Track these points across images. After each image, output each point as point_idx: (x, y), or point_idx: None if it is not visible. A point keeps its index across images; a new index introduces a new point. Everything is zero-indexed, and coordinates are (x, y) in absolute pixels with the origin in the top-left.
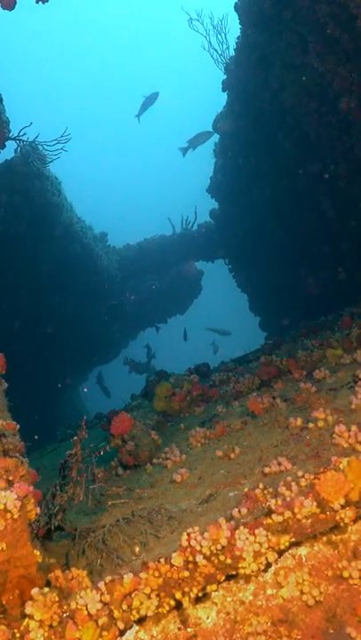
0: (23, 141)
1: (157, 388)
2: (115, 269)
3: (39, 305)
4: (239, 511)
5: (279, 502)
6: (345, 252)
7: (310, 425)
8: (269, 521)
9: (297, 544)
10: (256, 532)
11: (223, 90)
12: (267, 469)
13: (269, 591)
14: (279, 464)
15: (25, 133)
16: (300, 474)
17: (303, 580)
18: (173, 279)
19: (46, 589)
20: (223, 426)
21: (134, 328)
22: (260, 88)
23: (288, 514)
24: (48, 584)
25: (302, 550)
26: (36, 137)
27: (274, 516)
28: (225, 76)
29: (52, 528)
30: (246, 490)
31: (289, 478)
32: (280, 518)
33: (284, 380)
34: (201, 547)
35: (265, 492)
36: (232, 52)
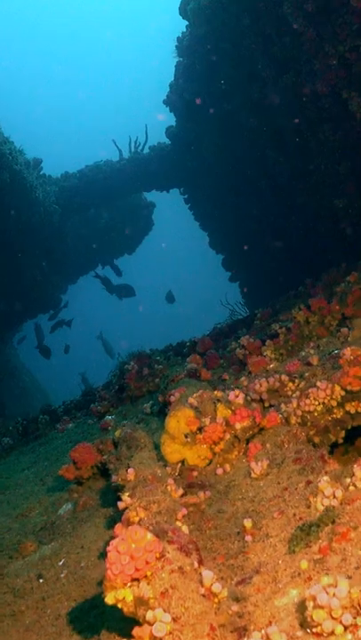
0: None
1: (170, 418)
2: (52, 203)
3: None
4: None
5: None
6: None
7: None
8: None
9: None
10: None
11: None
12: None
13: None
14: None
15: None
16: None
17: None
18: (121, 213)
19: None
20: None
21: (75, 271)
22: None
23: None
24: None
25: None
26: None
27: None
28: None
29: None
30: None
31: None
32: None
33: None
34: None
35: None
36: None
